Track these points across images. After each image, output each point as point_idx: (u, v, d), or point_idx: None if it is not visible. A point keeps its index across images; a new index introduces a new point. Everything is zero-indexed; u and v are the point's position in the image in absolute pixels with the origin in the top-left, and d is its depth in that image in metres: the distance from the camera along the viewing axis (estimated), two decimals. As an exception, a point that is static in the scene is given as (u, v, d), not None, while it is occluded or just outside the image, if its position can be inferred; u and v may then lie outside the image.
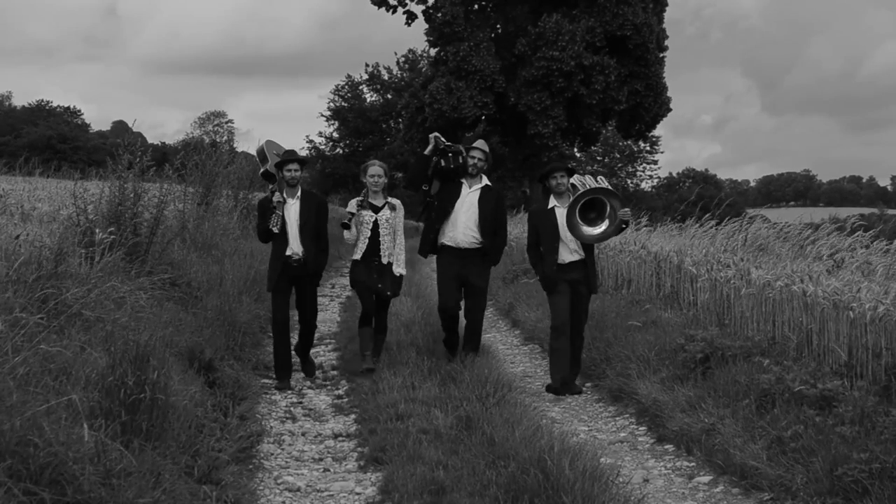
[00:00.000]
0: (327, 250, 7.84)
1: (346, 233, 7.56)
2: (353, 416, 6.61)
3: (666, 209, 40.05)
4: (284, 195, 7.54)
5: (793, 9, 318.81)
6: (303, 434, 6.20)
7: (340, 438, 6.08)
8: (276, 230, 7.45)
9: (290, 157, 7.66)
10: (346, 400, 7.11)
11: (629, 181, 63.34)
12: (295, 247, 7.54)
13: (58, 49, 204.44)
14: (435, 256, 7.90)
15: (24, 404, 3.62)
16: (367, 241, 7.57)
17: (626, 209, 7.30)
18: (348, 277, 8.14)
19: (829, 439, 4.82)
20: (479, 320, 7.84)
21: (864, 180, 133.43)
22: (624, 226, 7.32)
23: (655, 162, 64.91)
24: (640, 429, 6.39)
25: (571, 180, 7.41)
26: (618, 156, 63.20)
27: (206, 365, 6.70)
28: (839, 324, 6.33)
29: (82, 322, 5.58)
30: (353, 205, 7.62)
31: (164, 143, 67.65)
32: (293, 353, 7.87)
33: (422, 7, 33.00)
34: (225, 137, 64.88)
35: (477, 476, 4.74)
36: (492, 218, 7.63)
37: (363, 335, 7.71)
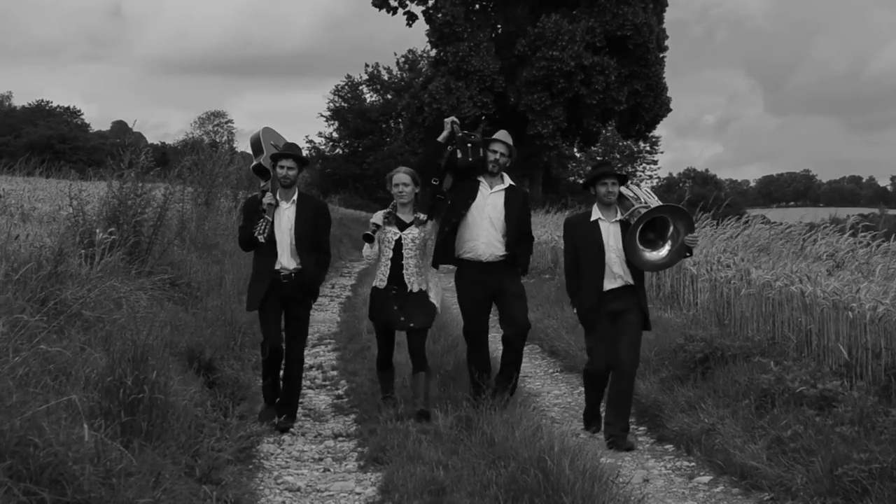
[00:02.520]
0: (328, 264, 6.55)
1: (366, 248, 6.31)
2: (353, 416, 6.61)
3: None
4: (277, 197, 6.26)
5: (798, 10, 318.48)
6: (303, 434, 6.21)
7: (340, 438, 6.08)
8: (262, 239, 6.17)
9: (288, 151, 6.31)
10: (346, 400, 7.11)
11: (629, 181, 63.42)
12: (285, 260, 6.22)
13: (62, 49, 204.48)
14: (443, 266, 6.72)
15: (24, 404, 3.61)
16: (389, 263, 6.28)
17: (696, 234, 6.12)
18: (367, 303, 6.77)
19: (828, 439, 4.82)
20: (522, 337, 6.39)
21: (864, 180, 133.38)
22: (688, 253, 6.17)
23: (655, 162, 65.15)
24: (640, 429, 6.39)
25: (621, 189, 6.23)
26: (618, 156, 63.26)
27: (206, 365, 6.69)
28: (839, 324, 6.33)
29: (82, 322, 5.58)
30: (378, 217, 6.33)
31: (164, 143, 67.75)
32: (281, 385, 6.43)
33: (422, 8, 33.09)
34: (225, 137, 64.88)
35: (477, 476, 4.73)
36: (519, 224, 6.49)
37: (382, 378, 6.57)
